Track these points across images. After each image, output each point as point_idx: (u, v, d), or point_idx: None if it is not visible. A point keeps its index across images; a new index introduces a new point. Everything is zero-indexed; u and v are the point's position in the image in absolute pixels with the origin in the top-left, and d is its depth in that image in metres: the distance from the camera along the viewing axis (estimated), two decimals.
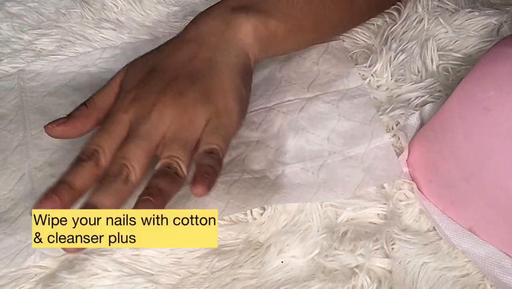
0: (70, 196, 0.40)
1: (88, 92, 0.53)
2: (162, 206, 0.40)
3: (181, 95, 0.44)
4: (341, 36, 0.58)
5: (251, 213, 0.46)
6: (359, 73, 0.55)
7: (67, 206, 0.40)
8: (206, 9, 0.49)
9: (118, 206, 0.40)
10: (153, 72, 0.45)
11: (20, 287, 0.42)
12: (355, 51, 0.57)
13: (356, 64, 0.56)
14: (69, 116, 0.45)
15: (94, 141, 0.42)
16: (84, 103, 0.46)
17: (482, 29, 0.57)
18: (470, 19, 0.58)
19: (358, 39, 0.58)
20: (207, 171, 0.41)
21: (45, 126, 0.44)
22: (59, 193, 0.40)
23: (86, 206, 0.40)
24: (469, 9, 0.58)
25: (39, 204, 0.39)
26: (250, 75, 0.48)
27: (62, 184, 0.40)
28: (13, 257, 0.43)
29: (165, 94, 0.44)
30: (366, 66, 0.55)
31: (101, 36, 0.59)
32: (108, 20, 0.61)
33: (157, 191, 0.40)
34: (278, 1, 0.49)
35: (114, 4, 0.62)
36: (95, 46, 0.58)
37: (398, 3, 0.60)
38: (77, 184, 0.41)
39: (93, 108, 0.45)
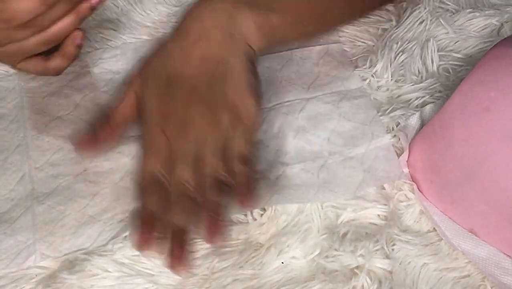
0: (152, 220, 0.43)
1: (88, 92, 0.53)
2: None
3: (206, 105, 0.45)
4: (341, 39, 0.58)
5: (251, 213, 0.46)
6: (360, 75, 0.55)
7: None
8: (200, 1, 0.49)
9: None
10: (172, 84, 0.46)
11: (21, 288, 0.42)
12: (355, 53, 0.57)
13: (356, 67, 0.56)
14: (94, 132, 0.47)
15: (148, 168, 0.45)
16: (107, 119, 0.48)
17: (482, 30, 0.57)
18: (471, 19, 0.58)
19: (358, 41, 0.58)
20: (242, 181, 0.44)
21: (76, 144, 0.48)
22: (146, 224, 0.42)
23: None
24: (470, 10, 0.58)
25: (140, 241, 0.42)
26: (255, 66, 0.49)
27: (145, 215, 0.43)
28: (14, 258, 0.43)
29: (193, 106, 0.45)
30: (366, 67, 0.55)
31: (102, 36, 0.59)
32: (108, 20, 0.61)
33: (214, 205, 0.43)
34: None
35: (115, 5, 0.61)
36: (96, 47, 0.58)
37: (400, 4, 0.60)
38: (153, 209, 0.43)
39: (115, 124, 0.48)
